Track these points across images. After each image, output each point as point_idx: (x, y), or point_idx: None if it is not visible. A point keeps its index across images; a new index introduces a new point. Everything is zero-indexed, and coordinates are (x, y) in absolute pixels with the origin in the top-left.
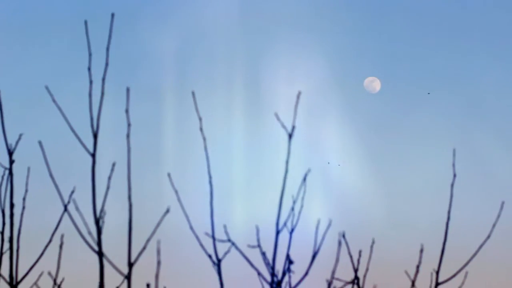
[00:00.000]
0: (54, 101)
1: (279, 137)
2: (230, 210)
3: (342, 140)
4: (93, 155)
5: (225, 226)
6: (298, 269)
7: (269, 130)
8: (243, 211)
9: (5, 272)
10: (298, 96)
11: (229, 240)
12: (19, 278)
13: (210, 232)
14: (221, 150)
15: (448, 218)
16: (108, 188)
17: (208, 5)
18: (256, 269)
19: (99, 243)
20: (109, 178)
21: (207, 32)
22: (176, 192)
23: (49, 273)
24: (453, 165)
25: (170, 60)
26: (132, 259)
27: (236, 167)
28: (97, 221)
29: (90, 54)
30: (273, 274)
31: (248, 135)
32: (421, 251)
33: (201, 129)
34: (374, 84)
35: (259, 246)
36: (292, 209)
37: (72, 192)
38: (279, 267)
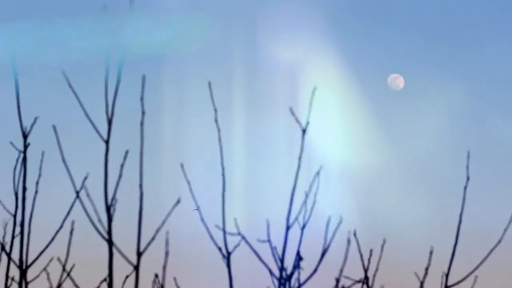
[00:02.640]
0: (70, 86)
1: (296, 132)
2: (241, 204)
3: (363, 137)
4: (107, 142)
5: (235, 220)
6: (307, 266)
7: (285, 124)
8: (254, 206)
9: (16, 256)
10: (313, 92)
11: (239, 234)
12: (29, 262)
13: (220, 224)
14: (231, 143)
15: (460, 221)
16: (120, 176)
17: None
18: (265, 264)
19: (109, 231)
20: (122, 165)
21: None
22: (188, 182)
23: (59, 259)
24: (467, 167)
25: (188, 49)
26: (141, 249)
27: (248, 161)
28: (108, 209)
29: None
30: (282, 269)
31: (261, 129)
32: (431, 253)
33: (216, 120)
34: (398, 81)
35: (269, 241)
36: (305, 203)
37: (85, 178)
38: (289, 263)
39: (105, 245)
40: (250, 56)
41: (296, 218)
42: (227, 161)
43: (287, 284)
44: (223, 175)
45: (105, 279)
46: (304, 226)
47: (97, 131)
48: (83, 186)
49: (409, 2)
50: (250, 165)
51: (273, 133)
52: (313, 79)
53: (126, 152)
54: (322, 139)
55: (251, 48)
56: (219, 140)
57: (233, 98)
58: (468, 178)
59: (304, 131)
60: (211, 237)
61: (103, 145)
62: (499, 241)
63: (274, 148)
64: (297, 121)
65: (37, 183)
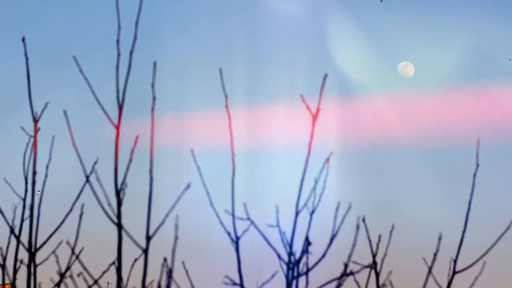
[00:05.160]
0: (81, 71)
1: (306, 118)
2: (249, 190)
3: (373, 123)
4: (117, 127)
5: (245, 205)
6: (316, 251)
7: (294, 111)
8: (264, 191)
9: (25, 239)
10: (324, 79)
11: (248, 219)
12: (38, 245)
13: (230, 210)
14: (244, 128)
15: (469, 208)
16: (130, 160)
17: None
18: (274, 248)
19: (118, 215)
20: (132, 150)
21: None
22: (198, 168)
23: (68, 242)
24: (477, 155)
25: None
26: (150, 233)
27: (258, 146)
28: (117, 193)
29: (119, 27)
30: (290, 254)
31: (269, 115)
32: (439, 238)
33: (226, 107)
34: (408, 68)
35: (278, 226)
36: (314, 189)
37: (95, 163)
38: (297, 248)
39: (114, 229)
40: (255, 44)
41: (306, 204)
42: (236, 145)
43: (295, 268)
44: (232, 160)
45: (113, 262)
46: (313, 212)
47: (108, 116)
48: (93, 170)
49: None
50: (259, 149)
51: (283, 118)
52: (324, 65)
53: (136, 137)
54: (332, 125)
55: (256, 36)
56: (229, 126)
57: (241, 84)
58: (477, 165)
59: (314, 117)
60: (220, 222)
61: (114, 130)
62: (508, 227)
63: (283, 133)
64: (308, 108)
65: (47, 167)
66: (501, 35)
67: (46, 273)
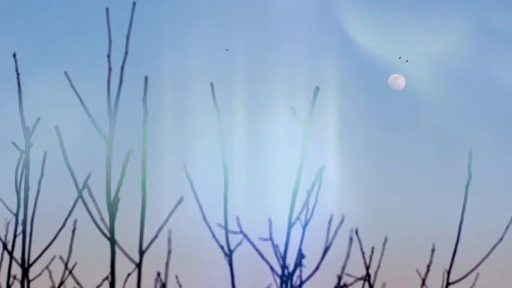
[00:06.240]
0: (72, 86)
1: (298, 131)
2: (242, 203)
3: (363, 136)
4: (109, 141)
5: (237, 218)
6: (309, 264)
7: (286, 124)
8: (255, 204)
9: (18, 254)
10: (315, 92)
11: (241, 232)
12: (31, 261)
13: (222, 223)
14: (233, 142)
15: (462, 219)
16: (122, 175)
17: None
18: (267, 261)
19: (111, 230)
20: (124, 165)
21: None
22: (191, 181)
23: (61, 258)
24: (469, 167)
25: (189, 50)
26: (144, 247)
27: (250, 159)
28: (110, 207)
29: (110, 42)
30: (284, 267)
31: (262, 128)
32: (433, 250)
33: (218, 121)
34: (399, 81)
35: (271, 239)
36: (307, 201)
37: (87, 178)
38: (291, 261)
39: (107, 243)
40: (251, 53)
41: (298, 217)
42: (228, 159)
43: (289, 281)
44: (225, 174)
45: (107, 277)
46: (306, 224)
47: (100, 131)
48: (85, 185)
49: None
50: (251, 163)
51: (275, 132)
52: (314, 78)
53: (129, 152)
54: (324, 138)
55: (251, 46)
56: (221, 139)
57: (235, 97)
58: (470, 177)
59: (306, 131)
60: (213, 236)
61: (105, 145)
62: (501, 239)
63: (276, 146)
64: (299, 121)
65: (39, 182)
66: (500, 43)
67: None
